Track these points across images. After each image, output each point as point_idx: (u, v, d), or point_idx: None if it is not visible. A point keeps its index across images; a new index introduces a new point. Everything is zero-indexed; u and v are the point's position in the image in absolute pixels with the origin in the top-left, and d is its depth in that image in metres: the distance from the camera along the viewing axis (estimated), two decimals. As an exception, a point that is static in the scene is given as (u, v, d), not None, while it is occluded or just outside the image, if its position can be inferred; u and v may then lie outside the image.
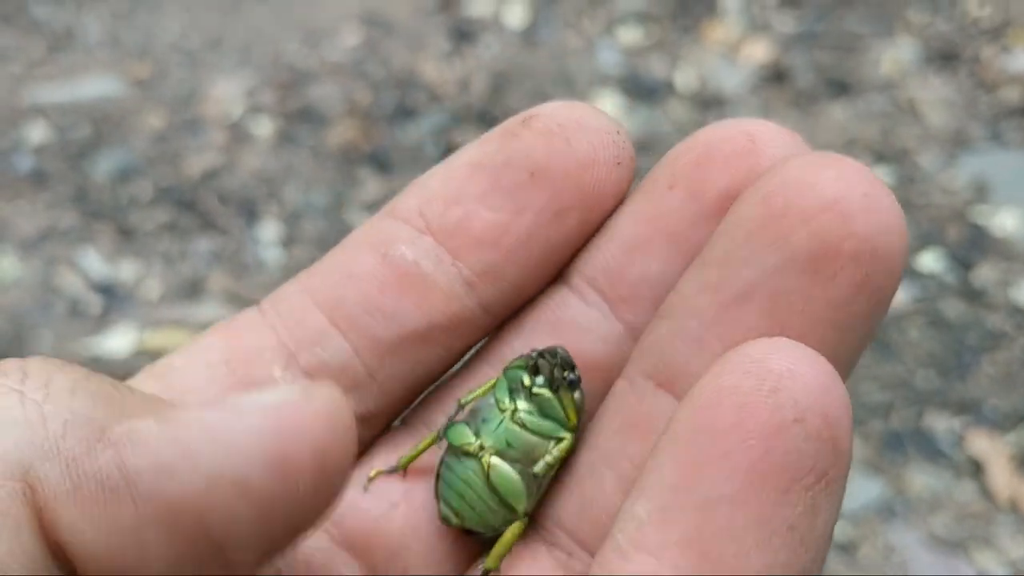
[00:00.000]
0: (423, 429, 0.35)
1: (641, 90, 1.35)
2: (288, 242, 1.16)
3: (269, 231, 1.17)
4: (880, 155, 1.31)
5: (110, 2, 1.47)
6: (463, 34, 1.41)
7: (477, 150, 0.35)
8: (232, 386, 0.33)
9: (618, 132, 0.34)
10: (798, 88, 1.38)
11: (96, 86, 1.34)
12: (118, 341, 1.07)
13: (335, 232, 1.16)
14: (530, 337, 0.35)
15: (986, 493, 0.96)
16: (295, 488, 0.25)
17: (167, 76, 1.35)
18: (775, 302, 0.29)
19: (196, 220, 1.19)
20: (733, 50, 1.42)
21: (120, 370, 1.05)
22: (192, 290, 1.11)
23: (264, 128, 1.28)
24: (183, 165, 1.25)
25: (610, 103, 1.31)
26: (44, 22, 1.46)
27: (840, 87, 1.37)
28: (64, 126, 1.30)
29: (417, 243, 0.35)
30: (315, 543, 0.33)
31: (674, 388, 0.31)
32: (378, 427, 0.35)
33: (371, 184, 1.22)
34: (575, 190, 0.34)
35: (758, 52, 1.41)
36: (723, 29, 1.45)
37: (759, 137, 0.32)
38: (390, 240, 0.35)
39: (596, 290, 0.35)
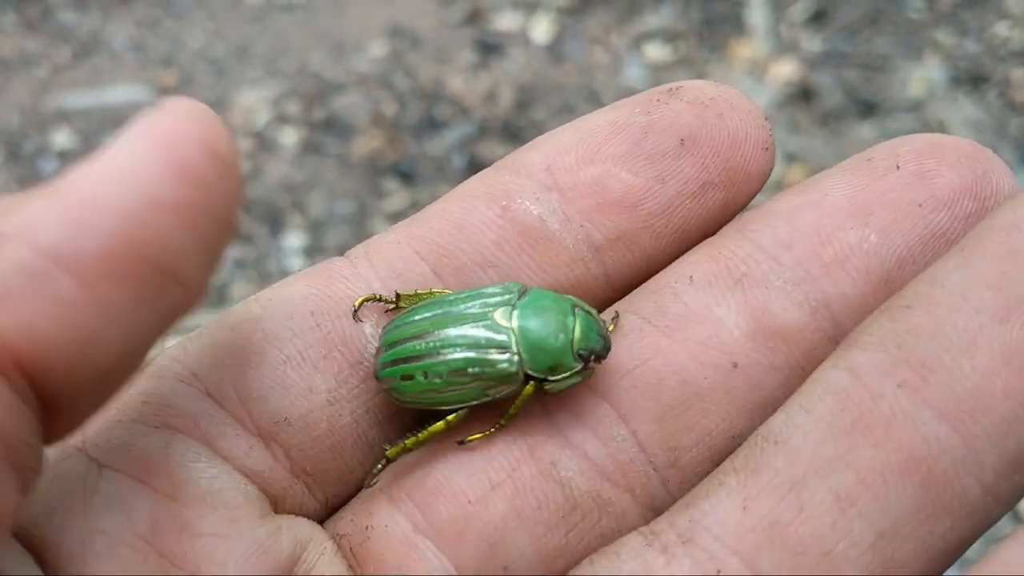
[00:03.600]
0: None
1: (667, 106, 1.34)
2: (312, 251, 1.15)
3: (293, 240, 1.16)
4: (908, 175, 1.30)
5: (136, 10, 1.47)
6: (489, 47, 1.41)
7: (616, 112, 0.33)
8: (318, 341, 0.31)
9: (766, 118, 0.32)
10: (825, 107, 1.37)
11: (122, 93, 1.34)
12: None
13: (359, 242, 1.15)
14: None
15: None
16: (205, 181, 0.24)
17: (193, 84, 1.35)
18: None
19: (220, 227, 1.18)
20: (760, 68, 1.41)
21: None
22: (216, 297, 1.10)
23: (289, 137, 1.28)
24: (208, 172, 1.24)
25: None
26: (70, 28, 1.46)
27: (867, 107, 1.37)
28: (89, 132, 1.29)
29: (543, 199, 0.32)
30: (393, 526, 0.30)
31: (923, 388, 0.27)
32: None
33: (396, 195, 1.21)
34: (724, 165, 0.32)
35: (785, 70, 1.41)
36: (750, 47, 1.44)
37: (979, 147, 0.31)
38: (511, 193, 0.32)
39: (779, 260, 0.32)
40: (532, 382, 0.31)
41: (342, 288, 0.32)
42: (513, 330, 0.31)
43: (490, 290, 0.31)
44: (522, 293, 0.31)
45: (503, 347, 0.31)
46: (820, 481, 0.27)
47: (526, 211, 0.32)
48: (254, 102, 1.32)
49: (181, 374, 0.31)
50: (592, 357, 0.30)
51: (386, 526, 0.30)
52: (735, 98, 0.32)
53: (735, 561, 0.27)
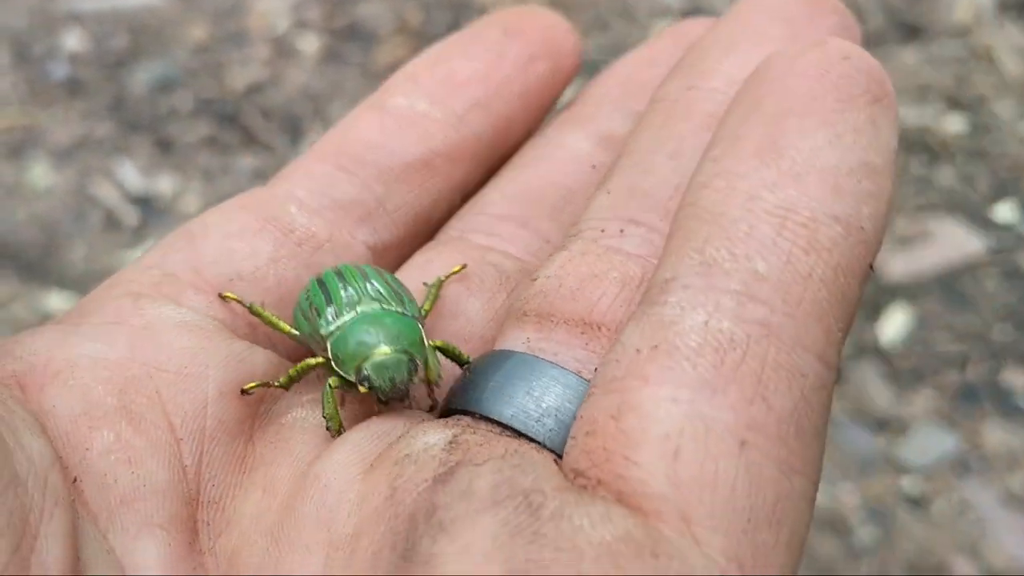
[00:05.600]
0: (448, 239, 0.37)
1: (703, 24, 1.29)
2: (334, 162, 1.11)
3: (314, 149, 1.12)
4: (954, 102, 1.25)
5: (150, -89, 1.40)
6: (518, -42, 1.35)
7: (449, 38, 0.40)
8: (252, 220, 0.35)
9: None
10: (867, 30, 1.31)
11: (135, -5, 1.29)
12: (155, 255, 1.02)
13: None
14: (519, 170, 0.38)
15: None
16: None
17: (209, -13, 1.30)
18: None
19: (238, 135, 1.13)
20: (800, -13, 1.35)
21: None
22: (233, 206, 1.06)
23: (310, 44, 1.23)
24: (225, 78, 1.19)
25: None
26: (81, -72, 1.40)
27: (911, 31, 1.31)
28: (101, 35, 1.24)
29: (411, 95, 0.38)
30: None
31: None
32: (395, 260, 0.37)
33: (422, 106, 1.17)
34: (544, 43, 0.39)
35: (826, -9, 1.35)
36: (790, -35, 1.38)
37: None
38: (384, 99, 0.38)
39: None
40: None
41: (268, 193, 0.36)
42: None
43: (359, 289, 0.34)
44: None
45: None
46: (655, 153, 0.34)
47: (397, 105, 0.38)
48: (273, 6, 1.27)
49: (143, 264, 0.34)
50: (365, 382, 0.32)
51: None
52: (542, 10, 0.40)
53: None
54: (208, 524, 0.29)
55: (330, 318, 0.32)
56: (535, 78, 0.39)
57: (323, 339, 0.32)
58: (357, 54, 1.22)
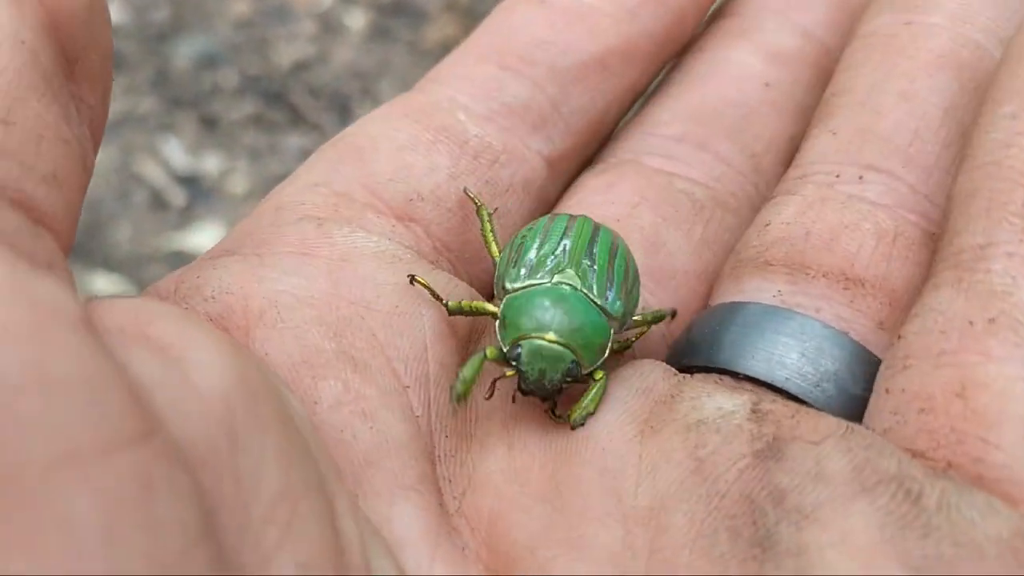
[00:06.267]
0: (621, 163, 0.34)
1: None
2: (384, 143, 1.08)
3: (364, 130, 1.09)
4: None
5: None
6: (568, -66, 1.31)
7: None
8: (423, 131, 0.32)
9: None
10: None
11: (175, -35, 1.25)
12: (203, 237, 0.99)
13: (435, 135, 1.08)
14: (686, 86, 0.35)
15: None
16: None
17: (252, -40, 1.26)
18: None
19: (285, 114, 1.10)
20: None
21: (205, 268, 0.98)
22: (282, 188, 1.04)
23: (357, 20, 1.19)
24: (271, 55, 1.16)
25: None
26: None
27: None
28: (141, 6, 1.21)
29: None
30: None
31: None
32: (571, 169, 0.34)
33: (473, 86, 1.14)
34: None
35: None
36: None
37: None
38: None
39: (765, 15, 0.37)
40: None
41: (431, 99, 0.33)
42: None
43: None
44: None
45: None
46: (887, 93, 0.32)
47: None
48: (318, -19, 1.23)
49: (308, 182, 0.31)
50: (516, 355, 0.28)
51: None
52: None
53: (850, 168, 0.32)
54: (449, 481, 0.26)
55: (523, 273, 0.29)
56: None
57: (503, 292, 0.29)
58: (405, 31, 1.18)
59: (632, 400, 0.27)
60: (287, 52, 1.16)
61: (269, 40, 1.17)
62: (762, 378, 0.28)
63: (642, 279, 0.31)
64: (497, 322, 0.28)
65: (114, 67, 1.09)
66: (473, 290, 0.31)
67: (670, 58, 0.36)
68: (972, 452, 0.24)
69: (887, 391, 0.26)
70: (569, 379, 0.27)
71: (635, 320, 0.30)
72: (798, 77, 0.35)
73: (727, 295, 0.31)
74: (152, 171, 1.06)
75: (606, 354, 0.28)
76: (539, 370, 0.27)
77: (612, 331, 0.28)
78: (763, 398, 0.27)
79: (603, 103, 0.34)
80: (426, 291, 0.29)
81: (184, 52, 1.16)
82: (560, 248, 0.29)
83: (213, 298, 0.27)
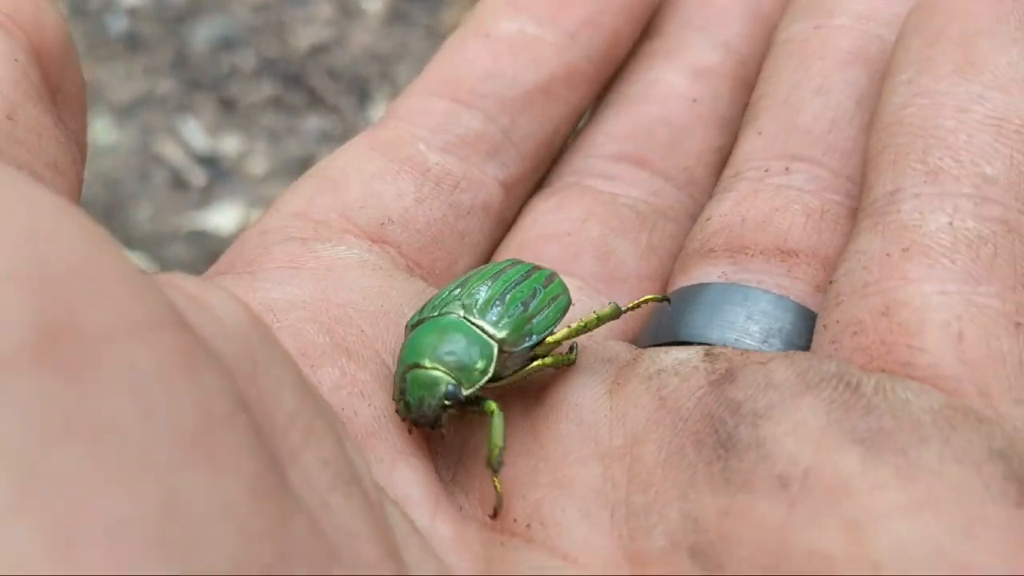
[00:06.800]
0: (566, 185, 0.37)
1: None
2: (403, 125, 1.09)
3: (382, 113, 1.09)
4: None
5: None
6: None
7: None
8: (388, 163, 0.34)
9: None
10: None
11: (193, -51, 1.26)
12: (222, 217, 1.00)
13: (452, 118, 1.09)
14: (619, 108, 0.38)
15: None
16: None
17: (269, -57, 1.27)
18: None
19: (303, 96, 1.11)
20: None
21: (225, 247, 0.99)
22: (300, 169, 1.04)
23: (374, 3, 1.20)
24: (288, 37, 1.17)
25: None
26: None
27: None
28: (159, -11, 1.22)
29: (516, 18, 0.37)
30: None
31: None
32: (525, 191, 0.37)
33: (490, 70, 1.14)
34: None
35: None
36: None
37: None
38: (487, 24, 0.37)
39: (689, 30, 0.39)
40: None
41: (393, 133, 0.36)
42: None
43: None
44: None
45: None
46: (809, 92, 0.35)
47: (505, 30, 0.37)
48: (335, -35, 1.24)
49: (288, 212, 0.34)
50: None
51: None
52: None
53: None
54: (439, 455, 0.29)
55: (420, 314, 0.30)
56: None
57: (406, 332, 0.30)
58: (422, 15, 1.19)
59: (598, 366, 0.30)
60: (305, 35, 1.17)
61: (287, 23, 1.18)
62: (713, 342, 0.30)
63: (596, 284, 0.34)
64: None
65: (132, 48, 1.10)
66: None
67: (608, 78, 0.39)
68: (901, 358, 0.27)
69: (824, 327, 0.29)
70: (449, 402, 0.27)
71: (557, 335, 0.30)
72: (721, 90, 0.38)
73: (678, 284, 0.33)
74: (172, 152, 1.06)
75: (489, 374, 0.28)
76: (418, 398, 0.27)
77: (495, 351, 0.29)
78: (713, 348, 0.30)
79: (551, 127, 0.37)
80: (406, 294, 0.31)
81: (202, 34, 1.17)
82: (460, 286, 0.30)
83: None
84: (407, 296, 0.32)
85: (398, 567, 0.23)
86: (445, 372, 0.28)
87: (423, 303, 0.31)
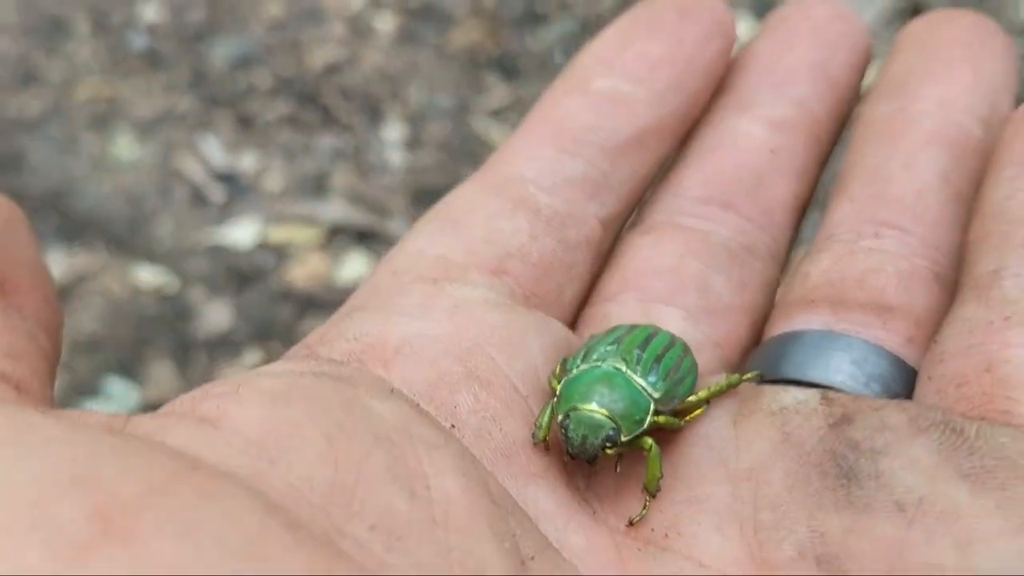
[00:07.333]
0: (659, 224, 0.40)
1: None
2: (413, 144, 1.12)
3: (394, 131, 1.13)
4: None
5: None
6: (588, -59, 1.35)
7: (624, 16, 0.43)
8: (503, 201, 0.38)
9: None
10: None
11: (210, -33, 1.30)
12: (241, 232, 1.04)
13: (461, 138, 1.12)
14: (703, 155, 0.41)
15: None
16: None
17: (284, -38, 1.31)
18: None
19: (318, 114, 1.15)
20: (867, -21, 1.36)
21: (243, 262, 1.03)
22: (316, 186, 1.08)
23: (386, 23, 1.24)
24: (304, 56, 1.21)
25: (744, 25, 1.26)
26: None
27: None
28: (178, 6, 1.25)
29: (611, 77, 0.41)
30: None
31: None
32: (619, 228, 0.41)
33: (497, 90, 1.18)
34: (713, 23, 0.42)
35: (892, -17, 1.35)
36: (857, -44, 1.38)
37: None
38: (584, 83, 0.41)
39: (760, 87, 0.43)
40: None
41: (504, 177, 0.39)
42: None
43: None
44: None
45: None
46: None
47: (600, 87, 0.40)
48: (348, -16, 1.28)
49: (414, 251, 0.37)
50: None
51: None
52: None
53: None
54: (574, 472, 0.32)
55: (579, 361, 0.34)
56: (712, 55, 0.42)
57: (564, 375, 0.34)
58: (432, 35, 1.23)
59: (723, 400, 0.34)
60: (319, 54, 1.21)
61: (301, 42, 1.22)
62: (821, 383, 0.34)
63: (698, 315, 0.37)
64: (555, 399, 0.33)
65: (153, 65, 1.14)
66: (561, 324, 0.37)
67: (690, 130, 0.43)
68: (1000, 407, 0.31)
69: (929, 378, 0.33)
70: (609, 444, 0.31)
71: (693, 399, 0.34)
72: (796, 143, 0.41)
73: (780, 329, 0.37)
74: (192, 168, 1.10)
75: (645, 425, 0.32)
76: (581, 436, 0.31)
77: (652, 406, 0.33)
78: (828, 392, 0.33)
79: (643, 172, 0.41)
80: (529, 324, 0.35)
81: (220, 52, 1.21)
82: (615, 343, 0.34)
83: (355, 339, 0.33)
84: (530, 325, 0.35)
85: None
86: (608, 417, 0.32)
87: (580, 347, 0.35)
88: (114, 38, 1.23)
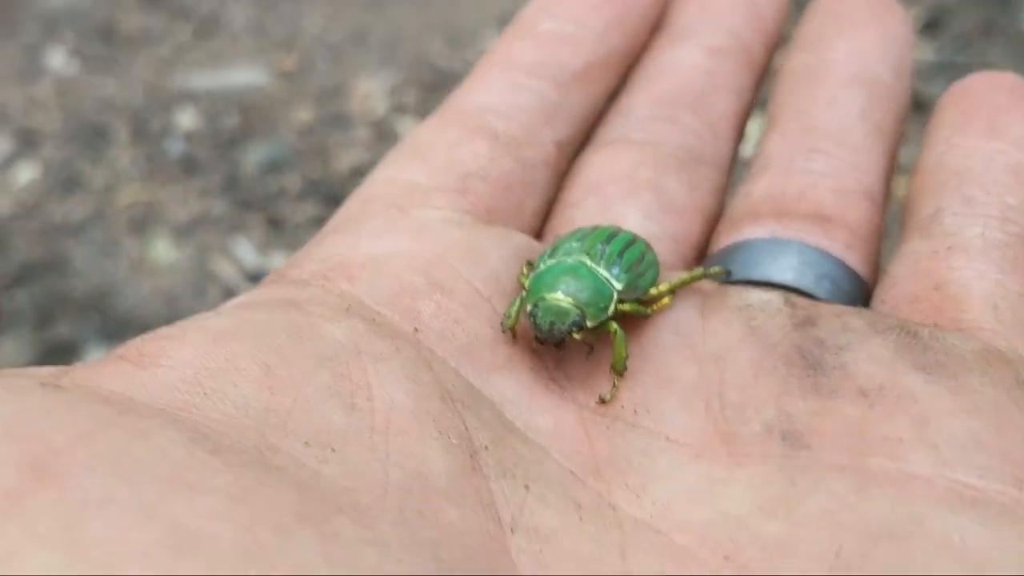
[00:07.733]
0: (612, 141, 0.44)
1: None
2: (434, 244, 1.18)
3: (415, 232, 1.19)
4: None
5: (253, -10, 1.49)
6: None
7: None
8: (463, 127, 0.41)
9: None
10: (934, 117, 1.37)
11: (243, 75, 1.37)
12: (271, 332, 1.10)
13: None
14: (647, 80, 0.46)
15: None
16: None
17: (312, 69, 1.38)
18: None
19: (344, 216, 1.21)
20: (869, 75, 1.42)
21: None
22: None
23: (408, 127, 1.31)
24: (331, 160, 1.27)
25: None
26: (190, 6, 1.49)
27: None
28: (213, 113, 1.33)
29: (553, 20, 0.46)
30: None
31: None
32: (574, 151, 0.44)
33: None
34: None
35: (894, 78, 1.41)
36: (859, 52, 1.44)
37: None
38: (531, 25, 0.46)
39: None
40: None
41: (463, 110, 0.43)
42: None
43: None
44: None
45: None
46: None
47: (547, 28, 0.46)
48: (372, 90, 1.35)
49: (383, 178, 0.40)
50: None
51: None
52: None
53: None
54: (540, 358, 0.34)
55: (546, 259, 0.37)
56: None
57: (532, 270, 0.36)
58: (452, 138, 1.29)
59: (688, 295, 0.37)
60: (345, 158, 1.27)
61: (329, 146, 1.29)
62: (776, 281, 0.38)
63: (654, 215, 0.41)
64: (524, 292, 0.36)
65: (189, 171, 1.20)
66: (525, 235, 0.40)
67: (634, 62, 0.48)
68: (951, 317, 0.35)
69: (882, 301, 0.37)
70: (575, 328, 0.34)
71: (656, 291, 0.37)
72: (732, 66, 0.46)
73: (729, 239, 0.41)
74: (225, 269, 1.16)
75: (609, 313, 0.35)
76: (549, 322, 0.34)
77: (616, 295, 0.36)
78: (789, 295, 0.36)
79: (593, 101, 0.45)
80: (489, 237, 0.38)
81: (252, 157, 1.28)
82: (580, 240, 0.37)
83: (323, 260, 0.35)
84: (492, 237, 0.37)
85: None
86: (574, 304, 0.34)
87: (548, 247, 0.38)
88: (152, 145, 1.30)
